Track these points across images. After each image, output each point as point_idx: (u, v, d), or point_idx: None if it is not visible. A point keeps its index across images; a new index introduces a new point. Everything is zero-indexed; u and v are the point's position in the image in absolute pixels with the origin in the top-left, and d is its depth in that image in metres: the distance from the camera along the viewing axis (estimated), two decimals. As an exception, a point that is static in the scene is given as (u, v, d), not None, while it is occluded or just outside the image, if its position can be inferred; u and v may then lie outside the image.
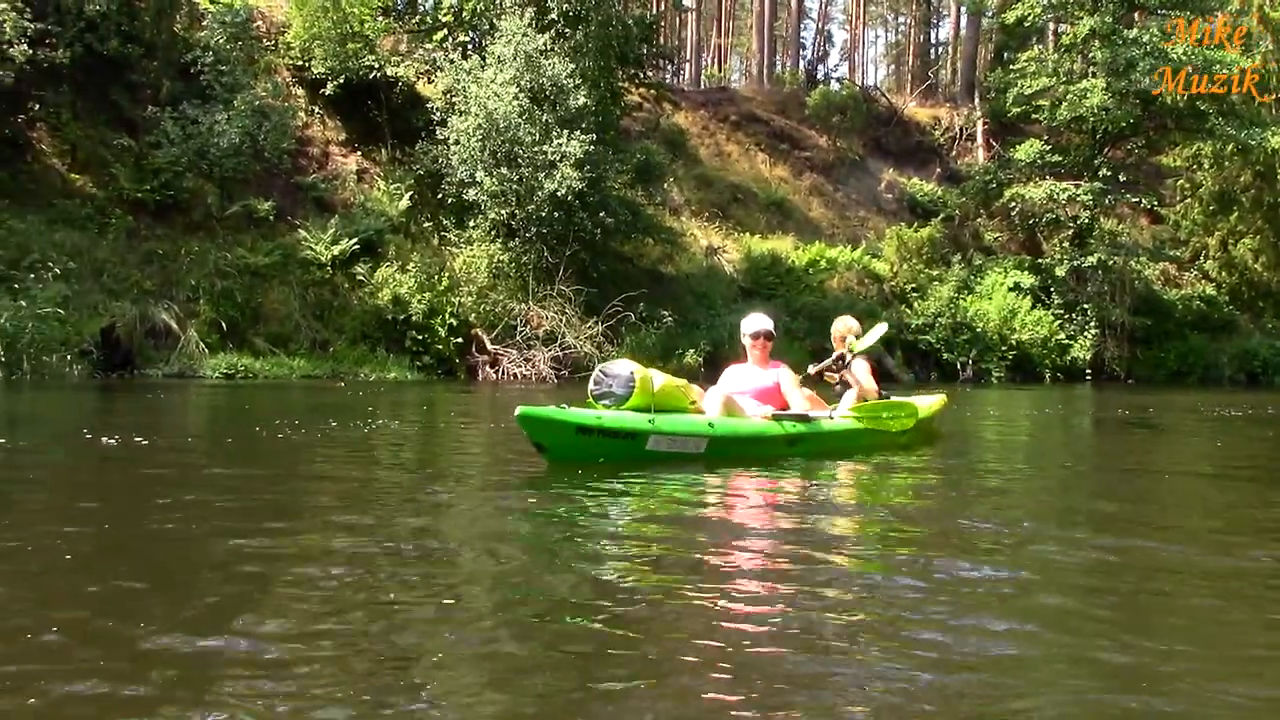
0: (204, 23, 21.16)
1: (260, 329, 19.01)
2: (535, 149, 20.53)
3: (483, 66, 21.37)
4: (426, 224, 22.57)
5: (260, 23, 23.50)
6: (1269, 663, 2.79)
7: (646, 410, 6.39)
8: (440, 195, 22.28)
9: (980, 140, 36.25)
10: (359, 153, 23.61)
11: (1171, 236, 34.78)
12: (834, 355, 8.35)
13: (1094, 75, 28.68)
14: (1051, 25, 35.21)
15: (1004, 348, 27.32)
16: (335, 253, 20.17)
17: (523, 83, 20.89)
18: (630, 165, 23.46)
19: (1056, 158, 29.90)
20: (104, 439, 7.23)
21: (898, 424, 7.82)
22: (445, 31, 24.28)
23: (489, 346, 20.56)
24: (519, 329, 20.62)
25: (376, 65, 22.57)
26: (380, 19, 23.75)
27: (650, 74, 29.41)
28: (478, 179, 20.92)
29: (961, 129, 37.07)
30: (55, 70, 18.62)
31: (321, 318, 19.81)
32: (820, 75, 46.33)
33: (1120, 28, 28.42)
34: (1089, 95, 28.02)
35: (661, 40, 34.61)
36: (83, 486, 5.71)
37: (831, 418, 7.55)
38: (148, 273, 18.46)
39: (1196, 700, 2.43)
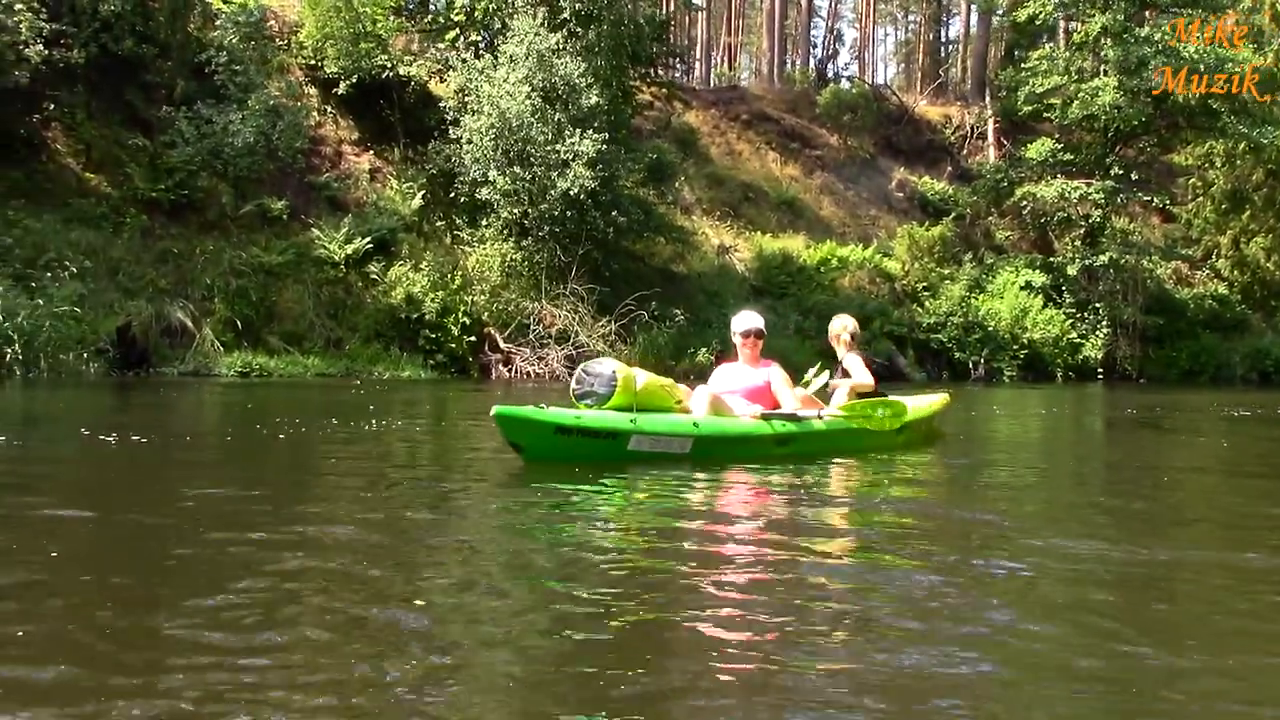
0: (217, 23, 21.17)
1: (274, 327, 19.07)
2: (548, 148, 20.57)
3: (495, 66, 21.42)
4: (439, 223, 22.61)
5: (273, 22, 23.56)
6: (1273, 667, 2.76)
7: (629, 410, 6.28)
8: (453, 194, 22.32)
9: (991, 139, 36.18)
10: (371, 152, 23.65)
11: (1183, 235, 34.72)
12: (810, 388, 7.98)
13: (1105, 73, 28.63)
14: (1062, 23, 35.13)
15: (1015, 347, 27.27)
16: (349, 252, 20.22)
17: (535, 82, 20.93)
18: (642, 164, 23.48)
19: (1068, 156, 29.87)
20: (101, 437, 7.25)
21: (888, 422, 7.64)
22: (457, 31, 24.30)
23: (502, 345, 20.62)
24: (532, 328, 20.66)
25: (389, 65, 22.60)
26: (392, 19, 23.78)
27: (661, 73, 29.43)
28: (490, 178, 20.96)
29: (972, 127, 36.99)
30: (70, 70, 18.68)
31: (335, 316, 19.87)
32: (830, 74, 46.30)
33: (1132, 26, 28.37)
34: (1100, 94, 27.98)
35: (672, 39, 34.63)
36: (71, 484, 5.70)
37: (820, 417, 7.36)
38: (163, 271, 18.52)
39: (1201, 703, 2.42)
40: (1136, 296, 29.49)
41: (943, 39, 58.88)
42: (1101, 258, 28.84)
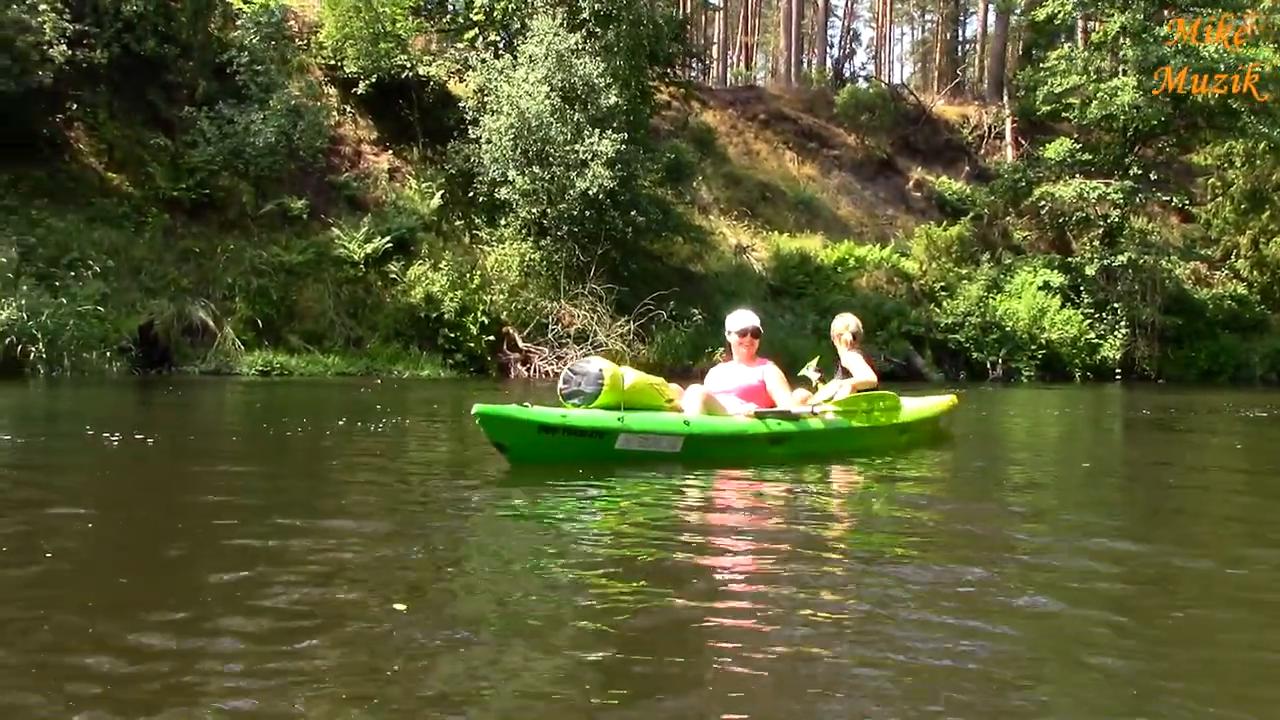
0: (239, 23, 21.29)
1: (295, 326, 19.17)
2: (567, 148, 20.61)
3: (514, 66, 21.47)
4: (458, 222, 22.68)
5: (293, 23, 23.67)
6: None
7: (616, 409, 6.17)
8: (472, 194, 22.39)
9: (1009, 138, 36.06)
10: (390, 151, 23.75)
11: (1202, 235, 34.55)
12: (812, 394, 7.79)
13: (1124, 73, 28.52)
14: (1081, 22, 35.01)
15: (1033, 347, 27.17)
16: (368, 251, 20.32)
17: (554, 82, 20.97)
18: (660, 164, 23.49)
19: (1086, 156, 29.71)
20: (104, 436, 7.29)
21: (882, 416, 7.52)
22: (476, 31, 24.35)
23: (520, 344, 20.68)
24: (550, 327, 20.71)
25: (408, 65, 22.70)
26: (412, 19, 23.86)
27: (679, 73, 29.45)
28: (509, 178, 21.02)
29: (990, 127, 36.87)
30: (93, 70, 18.83)
31: (355, 315, 19.96)
32: (847, 73, 46.25)
33: (1151, 25, 28.24)
34: (1119, 93, 27.86)
35: (690, 39, 34.63)
36: (68, 484, 5.72)
37: (814, 413, 7.18)
38: (184, 271, 18.65)
39: (1207, 704, 2.41)
40: (1155, 297, 29.33)
41: (960, 38, 58.73)
42: (1120, 258, 28.69)
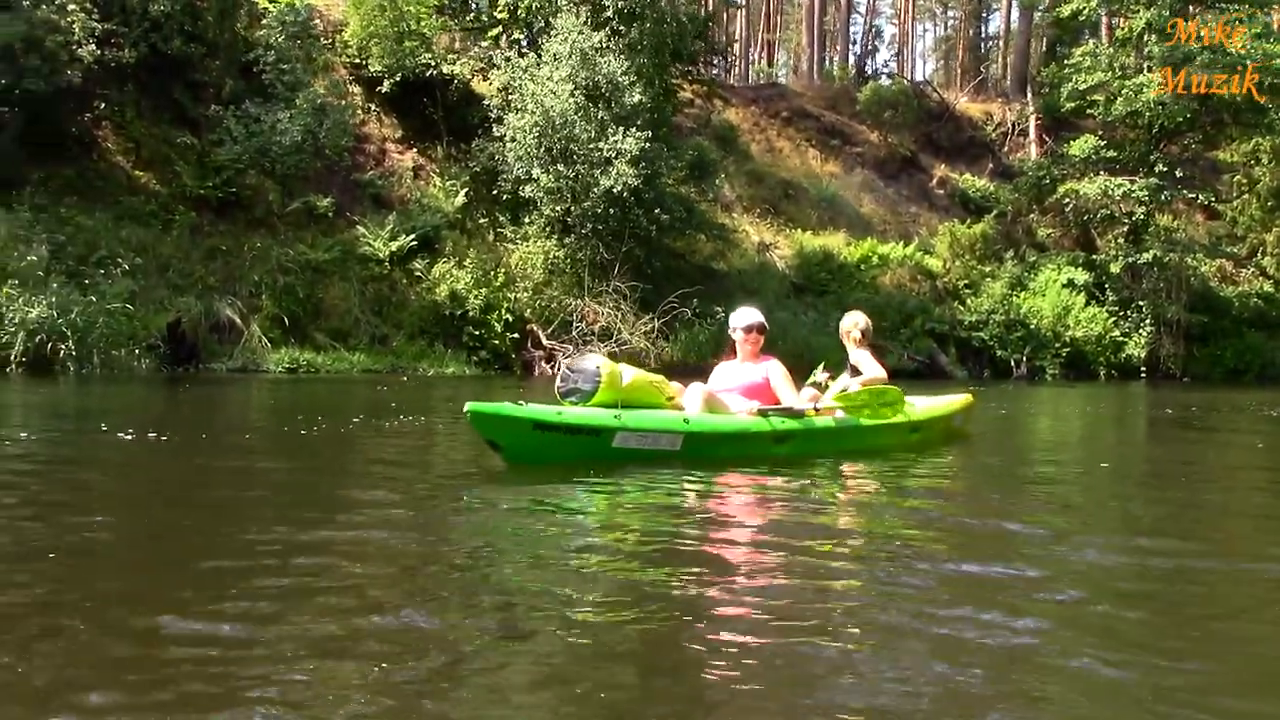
0: (264, 22, 21.38)
1: (321, 324, 19.27)
2: (591, 146, 20.63)
3: (538, 64, 21.52)
4: (483, 220, 22.74)
5: (318, 21, 23.73)
6: None
7: (614, 406, 6.05)
8: (496, 192, 22.44)
9: (1033, 135, 35.94)
10: (415, 149, 23.84)
11: (1228, 232, 34.32)
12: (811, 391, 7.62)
13: (1150, 70, 28.36)
14: (1105, 18, 34.82)
15: (1058, 345, 27.08)
16: (393, 249, 20.41)
17: (578, 80, 21.00)
18: (684, 162, 23.49)
19: (1111, 153, 29.53)
20: (130, 432, 7.35)
21: (885, 411, 7.35)
22: (500, 29, 24.41)
23: (545, 342, 20.72)
24: (574, 324, 20.73)
25: (432, 63, 22.81)
26: (436, 17, 23.94)
27: (702, 70, 29.44)
28: (534, 175, 21.06)
29: (1014, 124, 36.77)
30: (121, 70, 18.98)
31: (380, 313, 20.05)
32: (870, 70, 46.15)
33: (1176, 21, 28.07)
34: (1144, 90, 27.71)
35: (713, 36, 34.60)
36: (91, 479, 5.76)
37: (816, 410, 7.01)
38: (211, 268, 18.75)
39: (1222, 702, 2.40)
40: (1180, 294, 29.11)
41: (982, 35, 58.53)
42: (1145, 255, 28.53)
